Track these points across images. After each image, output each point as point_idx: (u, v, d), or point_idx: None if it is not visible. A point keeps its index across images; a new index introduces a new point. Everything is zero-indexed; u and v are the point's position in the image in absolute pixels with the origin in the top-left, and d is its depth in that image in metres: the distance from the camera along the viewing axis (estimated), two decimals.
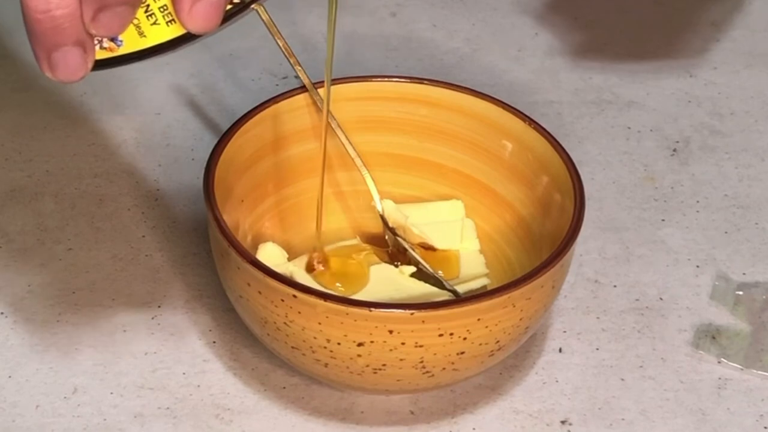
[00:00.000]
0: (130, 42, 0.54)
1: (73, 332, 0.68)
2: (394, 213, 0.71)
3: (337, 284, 0.66)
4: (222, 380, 0.66)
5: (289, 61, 0.70)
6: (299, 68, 0.70)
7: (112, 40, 0.53)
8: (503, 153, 0.70)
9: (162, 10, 0.53)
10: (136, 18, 0.53)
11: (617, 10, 0.94)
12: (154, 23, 0.53)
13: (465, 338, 0.59)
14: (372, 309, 0.58)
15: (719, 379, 0.68)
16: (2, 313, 0.69)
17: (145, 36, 0.54)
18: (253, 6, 0.54)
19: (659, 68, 0.88)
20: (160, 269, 0.71)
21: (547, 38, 0.91)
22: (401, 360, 0.60)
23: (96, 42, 0.53)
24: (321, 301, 0.58)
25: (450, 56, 0.89)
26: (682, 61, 0.89)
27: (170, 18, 0.53)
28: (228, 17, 0.54)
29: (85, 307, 0.69)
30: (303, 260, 0.68)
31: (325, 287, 0.66)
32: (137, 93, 0.83)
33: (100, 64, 0.54)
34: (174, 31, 0.54)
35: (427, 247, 0.70)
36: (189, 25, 0.53)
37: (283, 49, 0.70)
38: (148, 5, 0.53)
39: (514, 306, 0.60)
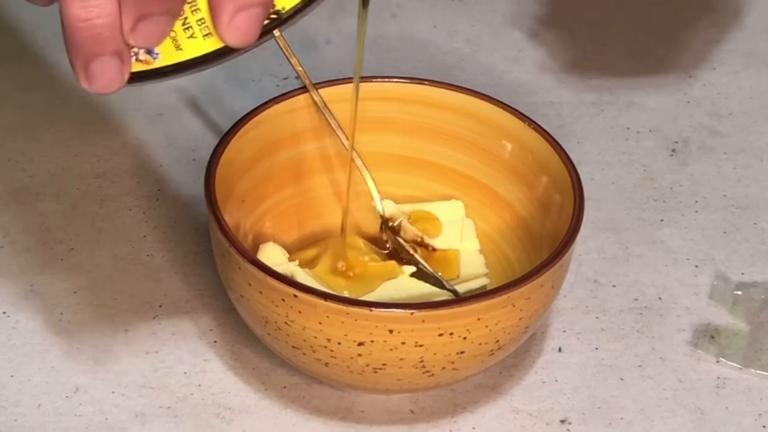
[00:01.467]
0: (166, 55, 0.53)
1: (75, 332, 0.68)
2: (394, 213, 0.71)
3: (345, 292, 0.66)
4: (223, 379, 0.66)
5: (289, 62, 0.70)
6: (300, 69, 0.70)
7: (148, 52, 0.53)
8: (503, 153, 0.70)
9: (200, 23, 0.53)
10: (173, 30, 0.53)
11: (617, 11, 0.94)
12: (191, 36, 0.53)
13: (465, 338, 0.60)
14: (372, 309, 0.58)
15: (718, 378, 0.68)
16: (4, 312, 0.69)
17: (181, 49, 0.53)
18: (290, 21, 0.54)
19: (658, 69, 0.88)
20: (161, 269, 0.72)
21: (547, 38, 0.91)
22: (401, 359, 0.60)
23: (132, 54, 0.53)
24: (321, 301, 0.58)
25: (450, 57, 0.89)
26: (681, 61, 0.89)
27: (207, 31, 0.53)
28: (264, 33, 0.54)
29: (86, 307, 0.69)
30: (326, 262, 0.68)
31: (329, 287, 0.66)
32: (139, 93, 0.83)
33: (135, 78, 0.53)
34: (210, 45, 0.53)
35: (427, 247, 0.70)
36: (227, 38, 0.53)
37: (284, 50, 0.70)
38: (185, 17, 0.53)
39: (514, 306, 0.60)
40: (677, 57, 0.90)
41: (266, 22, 0.53)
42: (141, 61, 0.53)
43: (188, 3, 0.53)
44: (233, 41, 0.53)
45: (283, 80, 0.85)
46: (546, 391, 0.67)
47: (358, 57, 0.65)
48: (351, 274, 0.67)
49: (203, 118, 0.82)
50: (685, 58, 0.90)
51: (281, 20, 0.54)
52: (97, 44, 0.51)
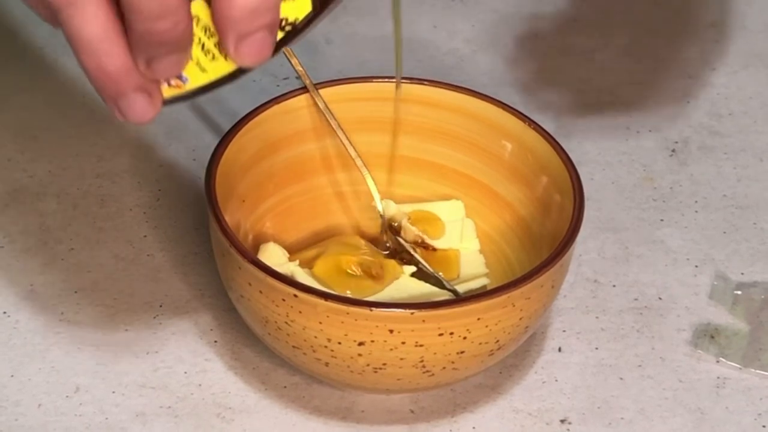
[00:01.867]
0: (194, 78, 0.55)
1: (75, 332, 0.68)
2: (394, 213, 0.71)
3: (348, 292, 0.66)
4: (223, 379, 0.66)
5: (290, 62, 0.70)
6: (300, 69, 0.70)
7: (178, 77, 0.55)
8: (503, 153, 0.71)
9: (217, 46, 0.54)
10: (194, 56, 0.54)
11: (616, 11, 0.94)
12: (213, 59, 0.54)
13: (465, 338, 0.60)
14: (372, 308, 0.58)
15: (718, 378, 0.68)
16: (5, 312, 0.69)
17: (206, 71, 0.55)
18: (306, 30, 0.55)
19: (658, 69, 0.89)
20: (161, 269, 0.72)
21: (547, 39, 0.91)
22: (401, 359, 0.60)
23: (163, 81, 0.55)
24: (322, 301, 0.58)
25: (450, 57, 0.89)
26: (680, 62, 0.89)
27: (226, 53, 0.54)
28: (282, 45, 0.55)
29: (87, 307, 0.69)
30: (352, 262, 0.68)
31: (330, 287, 0.66)
32: None
33: (171, 101, 0.55)
34: (232, 64, 0.55)
35: (427, 247, 0.71)
36: (239, 62, 0.54)
37: (285, 50, 0.70)
38: (203, 43, 0.54)
39: (514, 305, 0.60)
40: (677, 57, 0.90)
41: (281, 35, 0.54)
42: (173, 86, 0.55)
43: (203, 30, 0.54)
44: (246, 63, 0.54)
45: (283, 80, 0.85)
46: (546, 391, 0.67)
47: (397, 56, 0.67)
48: (375, 274, 0.67)
49: (204, 118, 0.82)
50: (685, 59, 0.90)
51: (297, 31, 0.55)
52: (116, 85, 0.53)
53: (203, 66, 0.55)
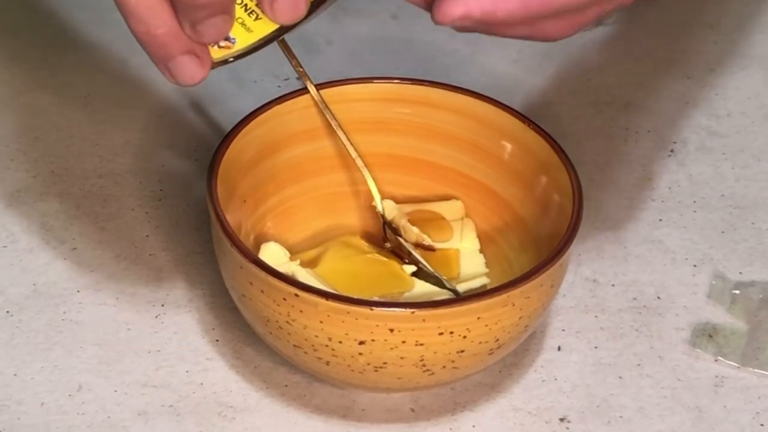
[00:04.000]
0: (241, 39, 0.57)
1: (78, 331, 0.68)
2: (394, 213, 0.71)
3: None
4: (225, 378, 0.66)
5: (290, 63, 0.70)
6: (301, 70, 0.70)
7: (227, 39, 0.57)
8: (502, 154, 0.71)
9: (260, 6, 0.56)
10: (239, 17, 0.57)
11: (616, 12, 0.94)
12: (257, 18, 0.57)
13: (465, 337, 0.60)
14: (373, 308, 0.59)
15: (716, 377, 0.68)
16: (8, 312, 0.69)
17: (252, 31, 0.57)
18: None
19: (657, 70, 0.89)
20: (163, 268, 0.72)
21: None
22: (402, 358, 0.60)
23: (212, 43, 0.57)
24: (323, 300, 0.59)
25: (450, 58, 0.89)
26: (679, 63, 0.89)
27: None
28: (318, 4, 0.56)
29: (89, 306, 0.69)
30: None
31: (332, 287, 0.66)
32: (141, 94, 0.84)
33: (220, 63, 0.58)
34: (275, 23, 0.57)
35: (427, 247, 0.71)
36: (275, 20, 0.56)
37: (285, 51, 0.70)
38: (246, 4, 0.56)
39: (514, 305, 0.61)
40: (676, 58, 0.90)
41: None
42: (222, 47, 0.57)
43: None
44: (283, 21, 0.57)
45: (284, 81, 0.85)
46: (545, 390, 0.67)
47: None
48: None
49: (205, 119, 0.82)
50: (684, 59, 0.90)
51: None
52: (165, 49, 0.56)
53: (248, 26, 0.57)
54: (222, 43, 0.57)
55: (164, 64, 0.57)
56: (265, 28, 0.57)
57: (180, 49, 0.56)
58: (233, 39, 0.57)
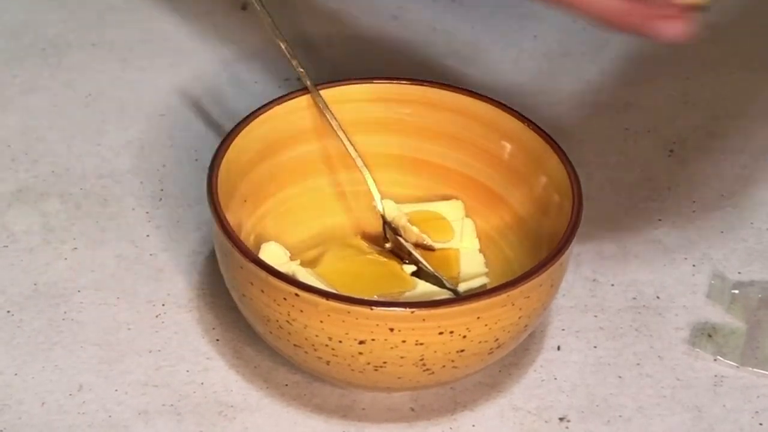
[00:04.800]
0: None
1: (78, 331, 0.68)
2: (394, 213, 0.71)
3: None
4: (225, 378, 0.66)
5: (291, 63, 0.70)
6: (301, 70, 0.70)
7: None
8: (502, 154, 0.71)
9: None
10: None
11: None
12: None
13: (465, 336, 0.60)
14: (373, 307, 0.59)
15: (715, 376, 0.68)
16: (9, 311, 0.69)
17: None
18: None
19: (656, 70, 0.89)
20: (164, 268, 0.72)
21: (546, 41, 0.91)
22: (402, 358, 0.60)
23: None
24: (323, 300, 0.59)
25: (450, 58, 0.89)
26: (678, 63, 0.89)
27: None
28: None
29: (90, 306, 0.70)
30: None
31: (332, 286, 0.66)
32: (141, 94, 0.84)
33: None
34: None
35: (427, 247, 0.71)
36: None
37: (286, 51, 0.70)
38: None
39: (513, 304, 0.61)
40: (675, 58, 0.90)
41: None
42: None
43: None
44: None
45: (284, 81, 0.85)
46: (545, 389, 0.67)
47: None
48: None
49: (206, 119, 0.82)
50: (683, 59, 0.90)
51: None
52: (628, 24, 0.58)
53: None
54: None
55: (640, 30, 0.58)
56: None
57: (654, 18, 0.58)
58: None
